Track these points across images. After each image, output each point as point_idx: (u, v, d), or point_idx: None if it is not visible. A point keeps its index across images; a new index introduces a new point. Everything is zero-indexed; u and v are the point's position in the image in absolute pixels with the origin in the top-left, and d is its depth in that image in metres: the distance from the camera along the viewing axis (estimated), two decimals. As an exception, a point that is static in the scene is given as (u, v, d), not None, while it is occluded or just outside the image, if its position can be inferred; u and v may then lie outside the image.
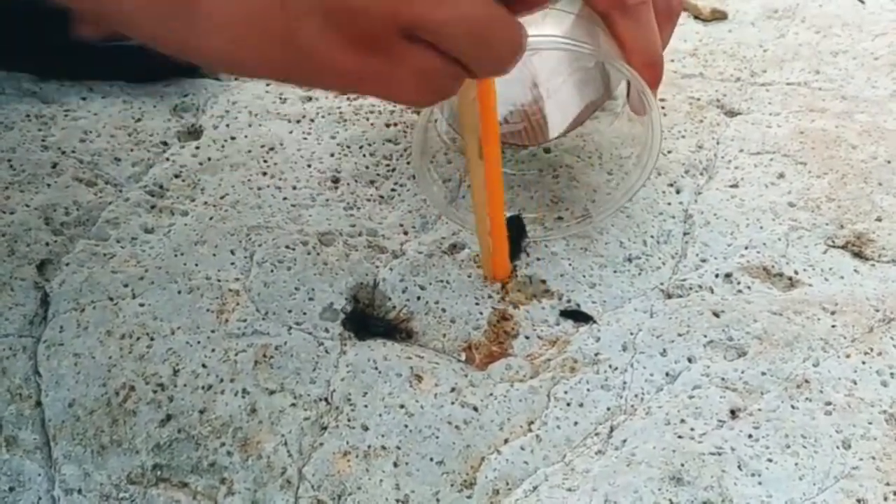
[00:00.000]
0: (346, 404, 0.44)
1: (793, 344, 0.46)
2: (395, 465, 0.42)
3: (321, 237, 0.51)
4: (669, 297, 0.49)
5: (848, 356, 0.46)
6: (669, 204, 0.53)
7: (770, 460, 0.42)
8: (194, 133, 0.57)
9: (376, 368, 0.45)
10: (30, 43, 0.58)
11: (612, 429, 0.43)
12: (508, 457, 0.42)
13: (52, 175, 0.53)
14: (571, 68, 0.49)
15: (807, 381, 0.45)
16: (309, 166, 0.55)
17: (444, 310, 0.48)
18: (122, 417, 0.43)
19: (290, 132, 0.57)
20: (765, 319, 0.47)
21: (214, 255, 0.50)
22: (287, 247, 0.50)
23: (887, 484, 0.41)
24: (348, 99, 0.59)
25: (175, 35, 0.32)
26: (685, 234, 0.52)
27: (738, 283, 0.49)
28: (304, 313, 0.47)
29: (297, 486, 0.41)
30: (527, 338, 0.47)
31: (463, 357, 0.46)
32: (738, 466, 0.41)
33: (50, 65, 0.59)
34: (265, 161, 0.55)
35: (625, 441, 0.43)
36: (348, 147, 0.56)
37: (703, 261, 0.50)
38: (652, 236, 0.51)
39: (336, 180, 0.54)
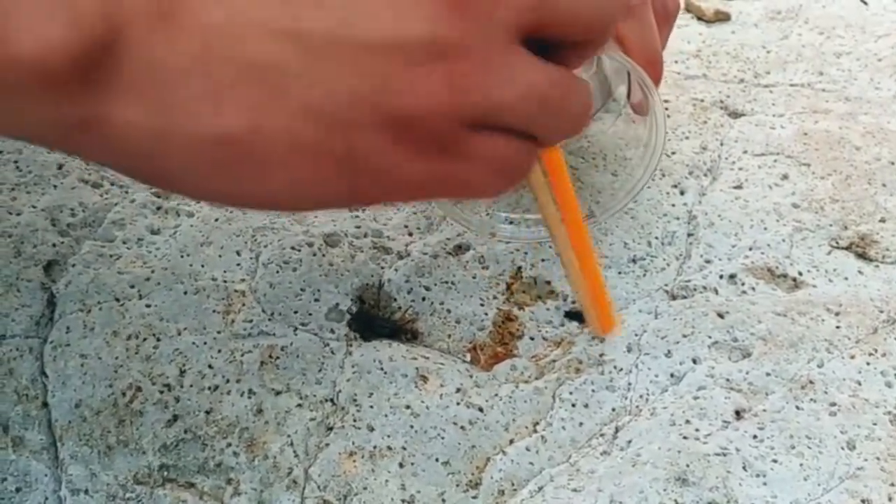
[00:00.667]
0: (352, 405, 0.44)
1: (797, 345, 0.46)
2: (401, 465, 0.42)
3: (326, 238, 0.51)
4: (674, 298, 0.49)
5: (852, 357, 0.46)
6: (673, 205, 0.53)
7: (775, 461, 0.42)
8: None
9: (382, 369, 0.45)
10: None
11: (617, 429, 0.43)
12: (514, 457, 0.42)
13: (59, 176, 0.53)
14: None
15: (811, 382, 0.45)
16: (314, 167, 0.55)
17: (449, 311, 0.48)
18: (128, 418, 0.43)
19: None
20: (769, 320, 0.47)
21: (220, 256, 0.50)
22: (293, 248, 0.50)
23: (892, 484, 0.41)
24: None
25: (228, 184, 0.29)
26: (689, 235, 0.52)
27: (743, 284, 0.49)
28: (310, 314, 0.47)
29: (304, 487, 0.41)
30: (531, 339, 0.47)
31: (468, 358, 0.46)
32: (743, 467, 0.42)
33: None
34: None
35: (630, 442, 0.43)
36: (353, 148, 0.56)
37: (708, 262, 0.50)
38: (656, 237, 0.52)
39: (341, 181, 0.54)
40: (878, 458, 0.42)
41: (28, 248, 0.49)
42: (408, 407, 0.44)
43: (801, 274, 0.50)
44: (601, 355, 0.46)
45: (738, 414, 0.44)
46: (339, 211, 0.52)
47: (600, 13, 0.31)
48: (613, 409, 0.44)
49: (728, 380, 0.45)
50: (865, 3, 0.69)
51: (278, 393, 0.44)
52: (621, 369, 0.45)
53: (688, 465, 0.42)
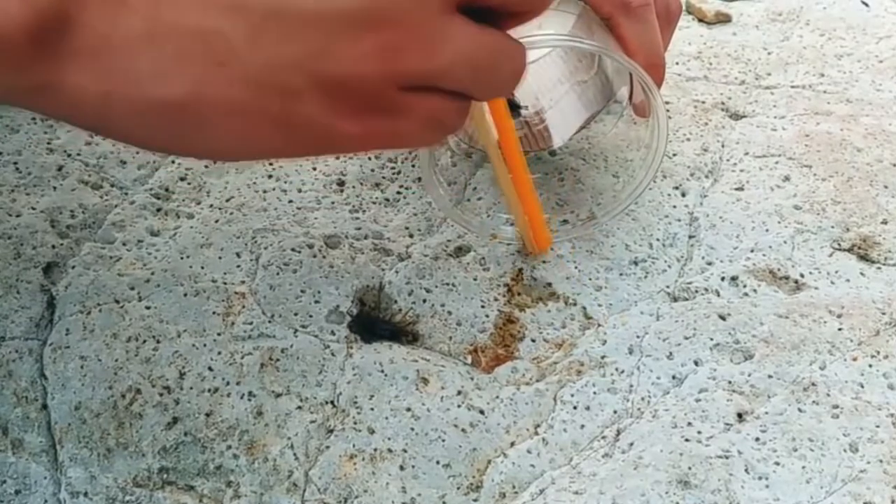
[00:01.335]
0: (353, 407, 0.44)
1: (799, 347, 0.46)
2: (402, 468, 0.42)
3: (327, 240, 0.51)
4: (675, 300, 0.49)
5: (854, 359, 0.46)
6: (675, 207, 0.53)
7: (777, 463, 0.42)
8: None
9: (382, 371, 0.45)
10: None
11: (618, 432, 0.43)
12: (515, 460, 0.42)
13: (58, 178, 0.53)
14: (573, 79, 0.49)
15: (813, 385, 0.45)
16: (314, 169, 0.55)
17: (449, 312, 0.48)
18: (128, 420, 0.43)
19: (296, 135, 0.57)
20: (771, 322, 0.47)
21: (220, 257, 0.50)
22: (293, 249, 0.50)
23: (895, 487, 0.41)
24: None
25: (171, 140, 0.32)
26: (691, 236, 0.52)
27: (744, 285, 0.49)
28: (310, 316, 0.47)
29: (304, 490, 0.41)
30: (533, 341, 0.47)
31: (469, 360, 0.46)
32: (746, 470, 0.41)
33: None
34: (270, 164, 0.55)
35: (632, 444, 0.42)
36: (353, 150, 0.56)
37: (709, 264, 0.50)
38: (658, 239, 0.51)
39: (341, 183, 0.54)
40: (881, 461, 0.42)
41: (28, 249, 0.49)
42: (408, 409, 0.44)
43: (802, 276, 0.50)
44: (602, 357, 0.46)
45: (740, 416, 0.44)
46: (339, 213, 0.52)
47: None
48: (615, 412, 0.44)
49: (730, 382, 0.45)
50: (866, 5, 0.69)
51: (278, 395, 0.44)
52: (623, 371, 0.45)
53: (690, 468, 0.41)
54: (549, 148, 0.51)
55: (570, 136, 0.50)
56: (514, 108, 0.48)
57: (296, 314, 0.47)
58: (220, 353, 0.45)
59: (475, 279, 0.49)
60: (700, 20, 0.68)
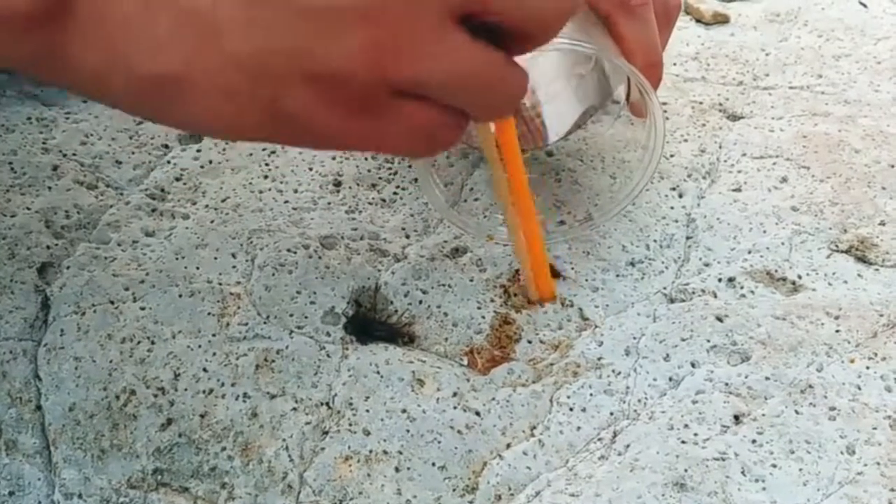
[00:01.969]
0: (348, 409, 0.44)
1: (796, 349, 0.46)
2: (397, 469, 0.42)
3: (323, 241, 0.51)
4: (672, 301, 0.48)
5: (852, 361, 0.45)
6: (672, 208, 0.53)
7: (774, 466, 0.41)
8: (195, 136, 0.57)
9: (378, 373, 0.45)
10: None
11: (615, 434, 0.43)
12: (511, 462, 0.42)
13: (53, 178, 0.53)
14: (570, 73, 0.49)
15: (811, 387, 0.44)
16: (310, 169, 0.55)
17: (446, 314, 0.48)
18: (122, 421, 0.43)
19: (292, 135, 0.57)
20: (768, 324, 0.47)
21: (216, 258, 0.49)
22: (288, 250, 0.50)
23: (892, 490, 0.41)
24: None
25: (158, 111, 0.33)
26: (688, 238, 0.51)
27: (742, 287, 0.49)
28: (306, 317, 0.47)
29: (299, 491, 0.41)
30: (529, 342, 0.47)
31: (465, 361, 0.46)
32: (742, 472, 0.41)
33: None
34: (266, 164, 0.55)
35: (628, 446, 0.42)
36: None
37: (706, 265, 0.50)
38: (655, 240, 0.51)
39: (338, 184, 0.54)
40: (878, 463, 0.41)
41: (22, 250, 0.49)
42: (404, 411, 0.44)
43: (800, 277, 0.49)
44: (599, 359, 0.46)
45: (737, 418, 0.43)
46: (335, 213, 0.52)
47: (544, 7, 0.32)
48: (611, 414, 0.44)
49: (727, 384, 0.45)
50: (865, 6, 0.68)
51: (273, 396, 0.44)
52: (619, 373, 0.45)
53: (686, 470, 0.41)
54: (545, 145, 0.51)
55: (565, 131, 0.50)
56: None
57: (291, 315, 0.47)
58: (214, 354, 0.45)
59: (471, 280, 0.49)
60: (698, 21, 0.67)
